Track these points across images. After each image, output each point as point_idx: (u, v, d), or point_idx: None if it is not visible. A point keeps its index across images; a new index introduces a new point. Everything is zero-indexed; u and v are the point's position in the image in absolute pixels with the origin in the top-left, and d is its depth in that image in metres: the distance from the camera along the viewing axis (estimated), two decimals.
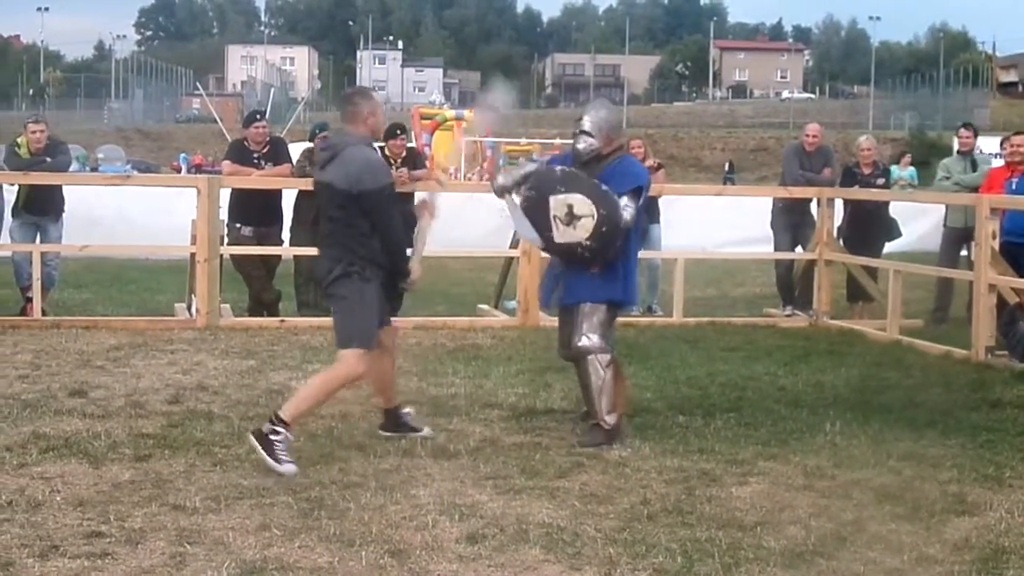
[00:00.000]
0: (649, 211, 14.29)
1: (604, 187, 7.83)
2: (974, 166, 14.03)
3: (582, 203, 7.72)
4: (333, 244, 7.29)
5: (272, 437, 6.91)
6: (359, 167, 7.15)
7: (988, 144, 26.73)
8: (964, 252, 13.89)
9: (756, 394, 9.39)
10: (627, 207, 7.86)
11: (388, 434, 7.74)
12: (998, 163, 14.20)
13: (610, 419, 7.80)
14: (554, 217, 7.77)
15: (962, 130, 14.71)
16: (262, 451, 6.88)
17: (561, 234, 7.79)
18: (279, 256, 13.33)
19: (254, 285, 12.99)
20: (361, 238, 7.17)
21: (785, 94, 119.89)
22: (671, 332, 12.54)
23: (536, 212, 7.86)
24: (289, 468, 6.84)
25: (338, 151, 7.29)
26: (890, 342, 12.10)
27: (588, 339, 7.89)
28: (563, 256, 8.00)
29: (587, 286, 7.95)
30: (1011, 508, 6.43)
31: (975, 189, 13.55)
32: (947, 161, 14.63)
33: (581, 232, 7.72)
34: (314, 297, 12.97)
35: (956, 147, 14.82)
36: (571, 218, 7.73)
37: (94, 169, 38.59)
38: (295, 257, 13.18)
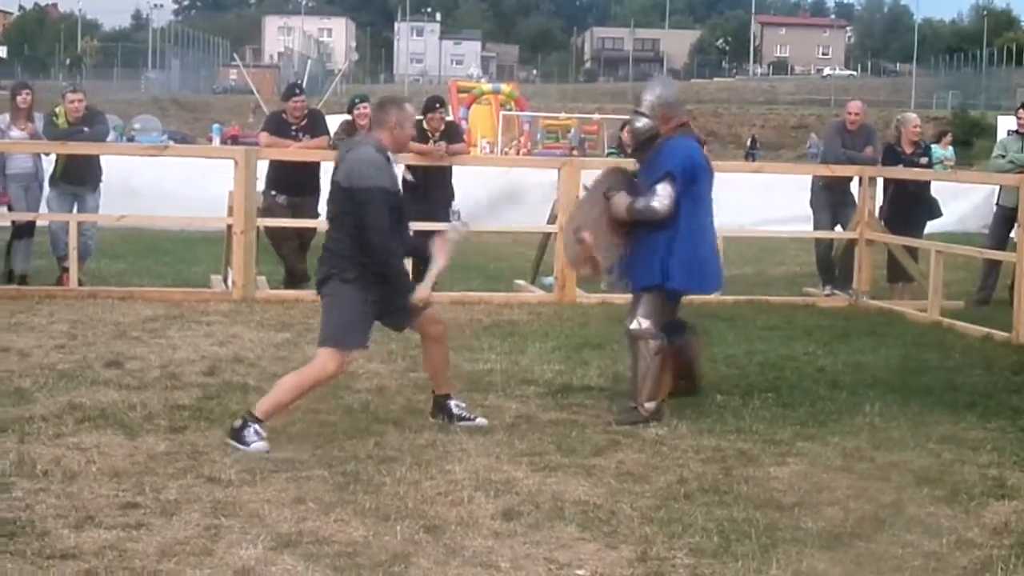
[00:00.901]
0: None
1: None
2: None
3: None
4: (328, 244, 7.26)
5: (241, 431, 6.86)
6: (357, 164, 7.06)
7: None
8: (1013, 234, 13.74)
9: (795, 374, 9.31)
10: (657, 196, 7.81)
11: (435, 420, 7.58)
12: None
13: (648, 405, 7.78)
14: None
15: (1021, 111, 14.51)
16: (233, 442, 6.82)
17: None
18: (314, 228, 13.31)
19: (288, 258, 13.01)
20: (347, 238, 7.07)
21: (826, 71, 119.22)
22: (709, 310, 12.40)
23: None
24: (259, 445, 6.79)
25: (351, 149, 7.29)
26: (930, 323, 11.99)
27: (639, 323, 7.94)
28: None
29: (638, 271, 8.00)
30: None
31: None
32: (1004, 139, 14.47)
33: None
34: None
35: (1014, 127, 14.55)
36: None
37: (130, 139, 38.74)
38: None
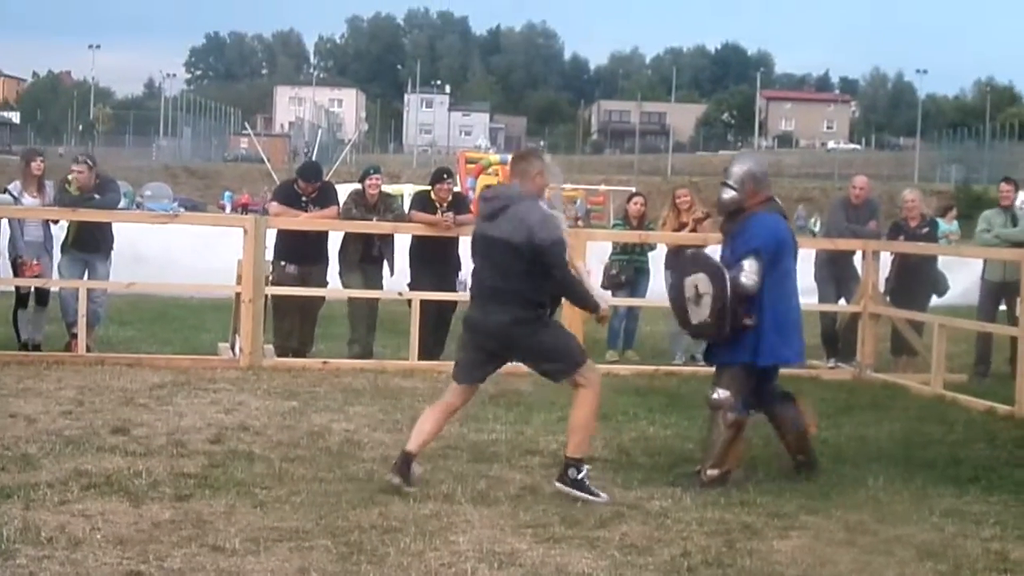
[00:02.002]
0: None
1: (717, 264, 8.07)
2: (1015, 220, 14.00)
3: (705, 281, 8.01)
4: (507, 293, 7.48)
5: (574, 474, 7.42)
6: (537, 222, 7.40)
7: None
8: (1003, 307, 13.84)
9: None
10: (744, 272, 7.95)
11: (392, 477, 7.56)
12: None
13: (711, 472, 7.97)
14: (688, 299, 8.12)
15: (1003, 184, 14.69)
16: (577, 492, 7.37)
17: (693, 314, 8.13)
18: (323, 298, 13.39)
19: (284, 331, 13.09)
20: (532, 283, 7.46)
21: (831, 144, 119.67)
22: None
23: (676, 297, 8.27)
24: (605, 497, 7.39)
25: (508, 205, 7.52)
26: (934, 396, 12.01)
27: (719, 394, 8.14)
28: (698, 337, 8.57)
29: (721, 347, 8.21)
30: None
31: (1017, 243, 13.52)
32: (988, 213, 14.57)
33: (704, 310, 8.01)
34: (365, 339, 13.04)
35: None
36: (698, 297, 8.04)
37: (139, 206, 38.90)
38: (349, 299, 13.27)
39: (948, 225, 22.29)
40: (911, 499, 7.76)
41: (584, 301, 7.88)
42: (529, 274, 7.42)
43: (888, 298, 13.94)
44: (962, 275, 18.77)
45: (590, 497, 7.37)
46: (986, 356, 13.78)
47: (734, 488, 7.91)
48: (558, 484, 7.48)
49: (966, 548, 6.69)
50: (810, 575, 6.12)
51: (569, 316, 11.96)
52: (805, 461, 8.40)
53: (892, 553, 6.56)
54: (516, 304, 7.47)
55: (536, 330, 7.55)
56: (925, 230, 14.37)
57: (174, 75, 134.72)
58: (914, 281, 14.04)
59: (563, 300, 8.09)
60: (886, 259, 14.18)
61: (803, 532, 6.93)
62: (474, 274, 7.75)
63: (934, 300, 14.59)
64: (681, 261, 8.51)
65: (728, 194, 8.22)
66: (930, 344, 12.82)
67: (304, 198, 13.09)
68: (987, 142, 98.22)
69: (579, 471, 7.47)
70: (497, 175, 43.49)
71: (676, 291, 8.28)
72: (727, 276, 7.94)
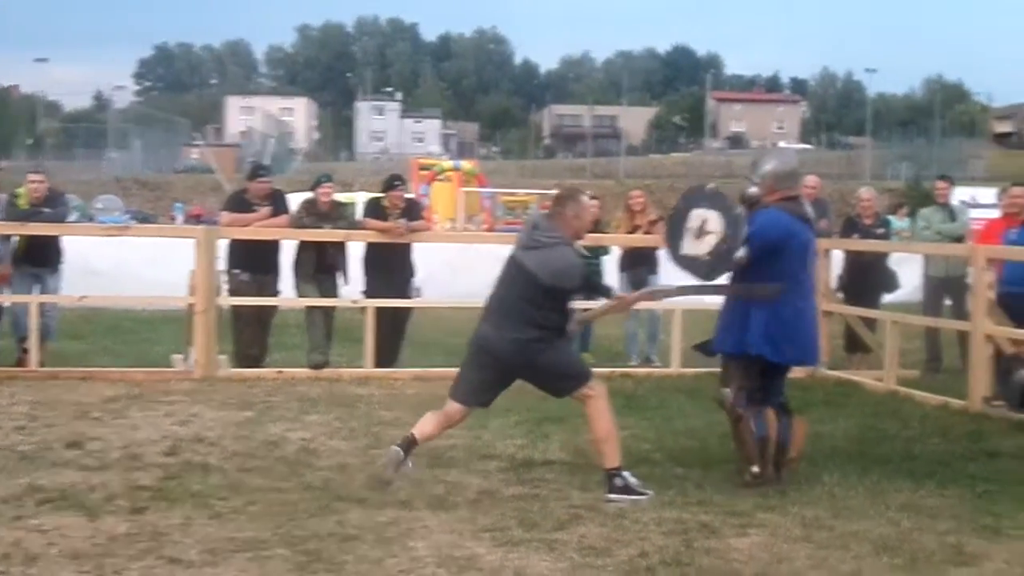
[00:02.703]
0: (648, 262, 14.39)
1: (739, 213, 8.15)
2: (952, 216, 14.17)
3: (716, 220, 8.09)
4: (525, 315, 7.76)
5: (619, 483, 7.64)
6: (562, 267, 7.77)
7: (985, 195, 26.86)
8: (948, 302, 13.99)
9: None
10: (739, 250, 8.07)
11: (397, 447, 7.85)
12: (990, 214, 14.28)
13: (754, 470, 8.07)
14: (687, 229, 8.22)
15: (938, 181, 14.91)
16: (624, 496, 7.56)
17: (688, 245, 8.23)
18: (274, 307, 13.34)
19: (244, 340, 13.03)
20: (542, 312, 7.75)
21: (782, 144, 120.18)
22: (669, 383, 12.54)
23: (675, 223, 8.38)
24: (650, 493, 7.63)
25: (547, 244, 7.81)
26: (887, 392, 12.10)
27: (721, 392, 8.32)
28: (681, 267, 8.42)
29: (720, 335, 8.35)
30: (1009, 559, 6.43)
31: (957, 239, 13.70)
32: (925, 212, 14.75)
33: (704, 247, 8.13)
34: (324, 347, 13.00)
35: (974, 197, 14.94)
36: (701, 232, 8.15)
37: (90, 219, 38.65)
38: (306, 309, 13.22)
39: (900, 222, 22.47)
40: (867, 494, 7.81)
41: (603, 291, 8.69)
42: (544, 304, 7.75)
43: (841, 295, 14.04)
44: (913, 272, 18.95)
45: (640, 497, 7.59)
46: (937, 352, 13.93)
47: (692, 486, 7.94)
48: (610, 496, 7.60)
49: (922, 542, 6.75)
50: (768, 572, 6.15)
51: None
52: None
53: (848, 548, 6.61)
54: (532, 326, 7.75)
55: (543, 349, 7.79)
56: (880, 230, 14.49)
57: (123, 87, 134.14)
58: (866, 278, 14.14)
59: None
60: (838, 257, 14.26)
61: (760, 530, 6.97)
62: (494, 292, 8.01)
63: (885, 297, 14.70)
64: (695, 192, 8.53)
65: (750, 189, 8.37)
66: (883, 341, 12.92)
67: (256, 207, 13.03)
68: (937, 139, 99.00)
69: (621, 478, 7.70)
70: (450, 181, 43.55)
71: (679, 216, 8.36)
72: (743, 227, 8.05)
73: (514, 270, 7.88)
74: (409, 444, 7.85)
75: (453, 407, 8.03)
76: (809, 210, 8.53)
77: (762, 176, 8.32)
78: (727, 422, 9.18)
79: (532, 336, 7.72)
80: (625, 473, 7.74)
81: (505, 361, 7.86)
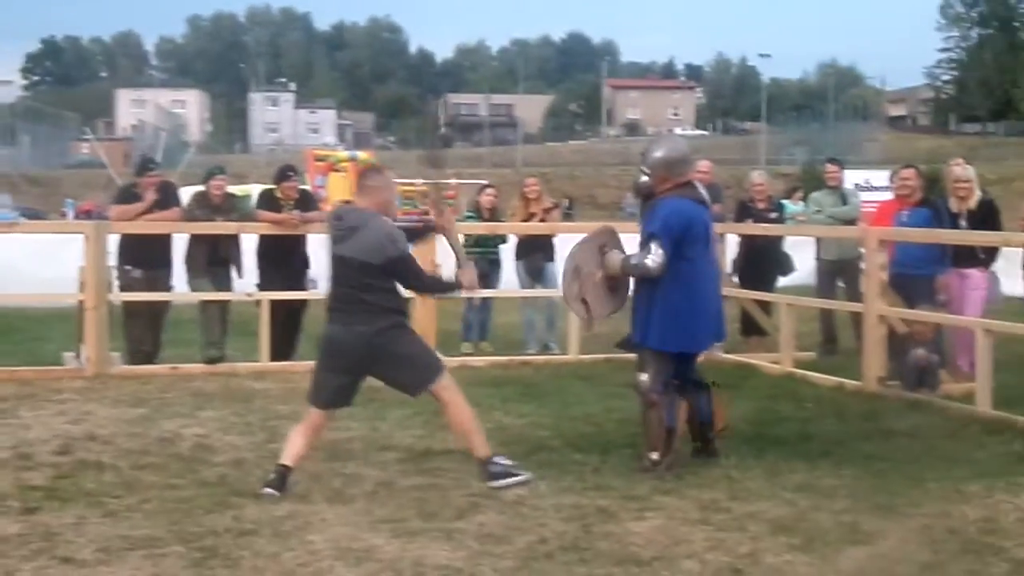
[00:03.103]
0: (544, 250, 14.42)
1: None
2: (843, 199, 14.35)
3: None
4: (366, 305, 7.58)
5: (497, 469, 7.65)
6: (381, 238, 7.53)
7: (878, 177, 27.28)
8: (841, 284, 14.16)
9: None
10: (651, 255, 8.05)
11: (271, 489, 7.43)
12: (884, 196, 14.47)
13: (653, 456, 8.05)
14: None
15: (828, 165, 15.10)
16: (506, 480, 7.58)
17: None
18: (167, 302, 13.17)
19: (135, 337, 12.84)
20: (385, 294, 7.61)
21: (678, 131, 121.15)
22: (567, 369, 12.58)
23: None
24: (527, 475, 7.69)
25: (357, 226, 7.60)
26: (783, 375, 12.22)
27: (637, 377, 8.28)
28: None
29: (634, 326, 8.34)
30: (904, 536, 6.51)
31: (849, 221, 13.88)
32: (817, 195, 14.93)
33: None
34: (219, 342, 12.85)
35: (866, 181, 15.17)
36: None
37: None
38: (201, 304, 13.05)
39: (795, 206, 22.73)
40: (764, 476, 7.88)
41: (445, 289, 8.37)
42: (389, 289, 7.63)
43: (736, 279, 14.15)
44: (808, 256, 19.19)
45: (519, 478, 7.64)
46: (832, 334, 14.10)
47: (590, 472, 7.96)
48: (491, 484, 7.57)
49: (818, 521, 6.82)
50: (665, 555, 6.18)
51: (422, 315, 11.99)
52: (703, 449, 8.46)
53: (746, 529, 6.66)
54: (377, 315, 7.57)
55: (400, 336, 7.67)
56: (774, 214, 14.63)
57: (10, 81, 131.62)
58: (761, 262, 14.27)
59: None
60: (732, 241, 14.37)
61: (658, 513, 7.00)
62: (330, 292, 7.78)
63: (781, 280, 14.85)
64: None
65: (642, 179, 8.37)
66: (779, 324, 13.05)
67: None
68: (831, 123, 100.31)
69: (497, 464, 7.70)
70: (347, 171, 43.33)
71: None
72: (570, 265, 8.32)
73: (340, 266, 7.69)
74: (283, 475, 7.48)
75: (315, 414, 7.77)
76: (704, 193, 8.56)
77: (653, 165, 8.31)
78: (625, 408, 9.27)
79: (380, 326, 7.56)
80: (498, 458, 7.76)
81: (355, 357, 7.64)
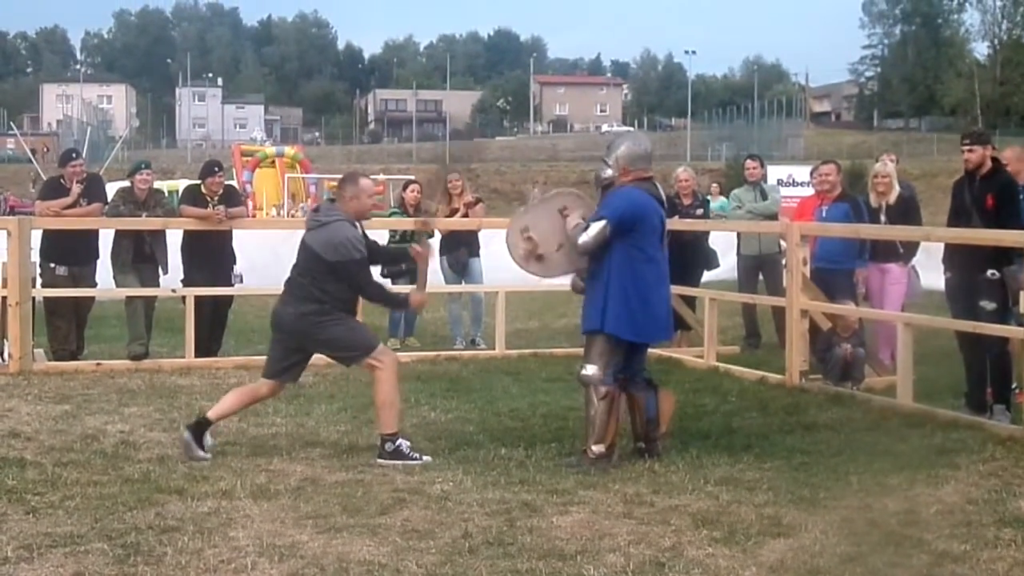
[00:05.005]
0: (469, 245, 14.44)
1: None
2: (763, 195, 14.49)
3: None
4: (301, 289, 8.29)
5: (389, 447, 8.13)
6: (338, 241, 8.18)
7: (802, 173, 27.57)
8: (762, 278, 14.30)
9: (577, 424, 9.36)
10: (587, 232, 8.18)
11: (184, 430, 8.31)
12: (806, 192, 14.60)
13: (596, 449, 8.09)
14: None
15: (748, 161, 15.19)
16: (394, 461, 8.03)
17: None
18: (92, 299, 13.07)
19: (59, 335, 12.72)
20: (328, 289, 8.23)
21: (604, 127, 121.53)
22: (494, 364, 12.61)
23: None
24: (427, 458, 8.14)
25: (325, 223, 8.34)
26: (708, 369, 12.33)
27: (587, 370, 8.26)
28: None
29: (585, 314, 8.39)
30: (825, 529, 6.56)
31: (770, 217, 14.01)
32: (737, 192, 15.06)
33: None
34: (144, 338, 12.76)
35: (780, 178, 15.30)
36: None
37: None
38: (126, 300, 12.93)
39: (714, 203, 22.92)
40: (687, 469, 7.94)
41: (394, 303, 9.48)
42: (324, 281, 8.21)
43: None
44: (732, 251, 19.35)
45: (411, 462, 8.04)
46: (755, 328, 14.23)
47: (514, 466, 7.99)
48: (379, 461, 8.07)
49: (740, 514, 6.88)
50: (589, 549, 6.21)
51: None
52: (646, 448, 8.47)
53: (669, 523, 6.70)
54: (311, 300, 8.22)
55: (323, 322, 8.23)
56: (699, 210, 14.73)
57: None
58: (685, 257, 14.33)
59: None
60: None
61: (582, 507, 7.04)
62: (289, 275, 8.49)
63: (706, 275, 14.94)
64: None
65: (605, 172, 8.46)
66: (703, 318, 13.15)
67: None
68: (756, 120, 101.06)
69: (393, 443, 8.13)
70: (274, 167, 43.10)
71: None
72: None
73: (301, 251, 8.42)
74: (199, 425, 8.28)
75: (262, 382, 8.57)
76: (661, 192, 8.66)
77: (615, 158, 8.42)
78: (551, 403, 9.30)
79: (311, 309, 8.20)
80: (400, 440, 8.19)
81: (291, 334, 8.35)
